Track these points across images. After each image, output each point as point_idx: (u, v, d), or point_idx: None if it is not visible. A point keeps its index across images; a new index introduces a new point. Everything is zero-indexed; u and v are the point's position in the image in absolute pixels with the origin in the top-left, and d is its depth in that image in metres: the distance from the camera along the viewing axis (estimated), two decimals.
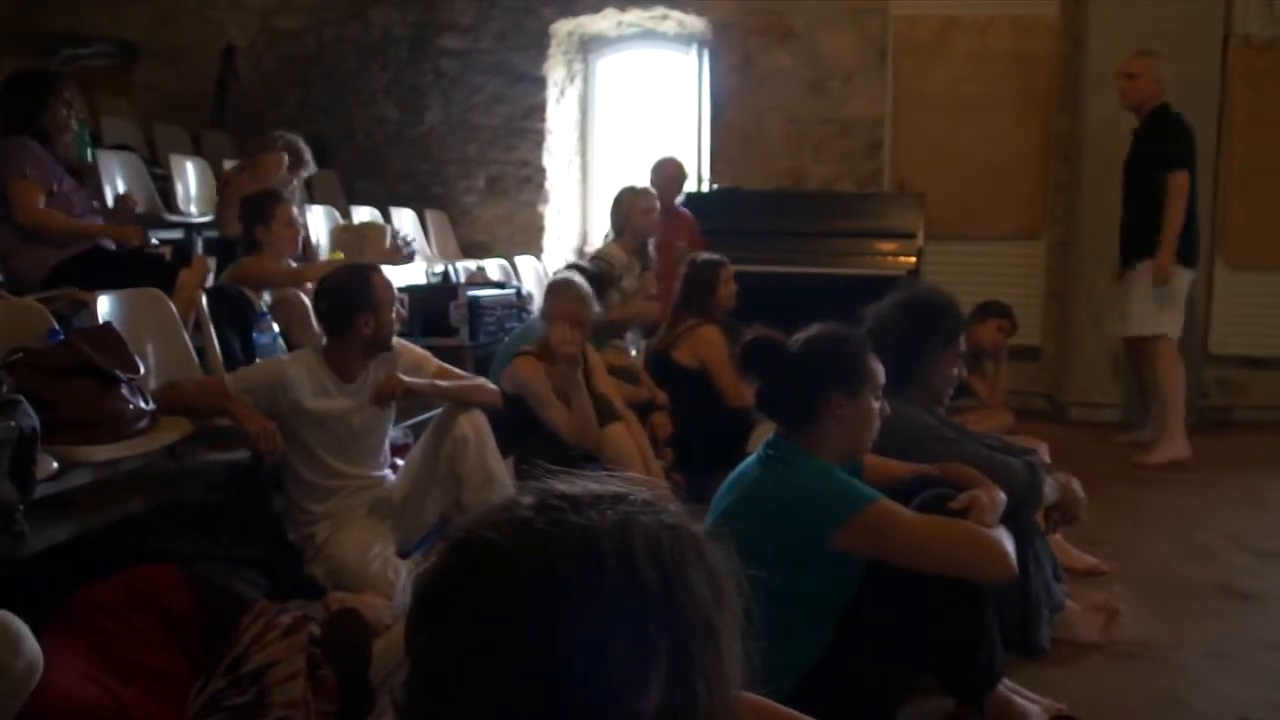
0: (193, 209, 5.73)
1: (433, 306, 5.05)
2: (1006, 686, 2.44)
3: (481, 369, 4.50)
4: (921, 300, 3.09)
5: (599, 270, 4.85)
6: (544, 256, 7.49)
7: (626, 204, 5.40)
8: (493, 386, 3.62)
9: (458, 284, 5.52)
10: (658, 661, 0.89)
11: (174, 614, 2.22)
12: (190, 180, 5.88)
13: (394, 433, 3.70)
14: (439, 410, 3.53)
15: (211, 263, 4.17)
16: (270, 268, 4.18)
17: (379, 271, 3.42)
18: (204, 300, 3.82)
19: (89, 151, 4.30)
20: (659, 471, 4.09)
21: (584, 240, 8.06)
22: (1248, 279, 6.52)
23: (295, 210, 4.48)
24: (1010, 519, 2.35)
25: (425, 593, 0.96)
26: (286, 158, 4.95)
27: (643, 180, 5.79)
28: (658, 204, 5.50)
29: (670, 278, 5.20)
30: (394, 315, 3.32)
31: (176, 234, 5.54)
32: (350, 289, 3.25)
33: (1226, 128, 6.40)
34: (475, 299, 5.13)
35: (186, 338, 3.61)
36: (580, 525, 0.92)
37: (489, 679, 0.89)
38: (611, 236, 5.51)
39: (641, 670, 0.89)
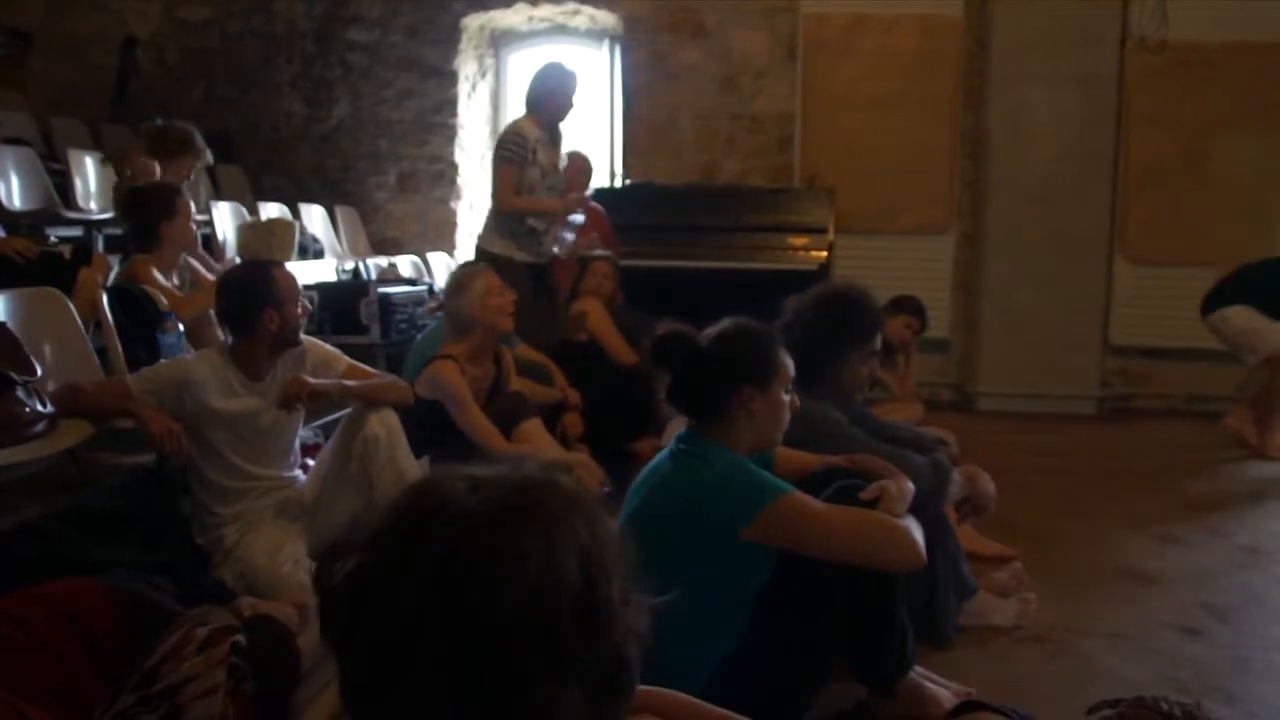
0: (92, 205, 5.57)
1: (343, 304, 4.97)
2: (917, 672, 2.48)
3: (394, 367, 4.44)
4: (836, 297, 3.07)
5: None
6: (456, 253, 7.43)
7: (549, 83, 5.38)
8: (404, 384, 3.56)
9: (369, 281, 5.46)
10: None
11: (95, 629, 2.12)
12: (90, 176, 5.71)
13: (304, 433, 3.63)
14: (349, 409, 3.47)
15: (114, 261, 4.04)
16: (158, 281, 3.98)
17: (281, 265, 3.35)
18: (105, 300, 3.71)
19: None
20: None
21: None
22: (1145, 273, 6.73)
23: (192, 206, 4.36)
24: (917, 514, 2.38)
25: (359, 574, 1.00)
26: (147, 145, 4.72)
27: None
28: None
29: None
30: (300, 310, 3.25)
31: (76, 231, 5.38)
32: (252, 284, 3.17)
33: (1124, 126, 6.59)
34: (386, 296, 5.06)
35: (87, 338, 3.49)
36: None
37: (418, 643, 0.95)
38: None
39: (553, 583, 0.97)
